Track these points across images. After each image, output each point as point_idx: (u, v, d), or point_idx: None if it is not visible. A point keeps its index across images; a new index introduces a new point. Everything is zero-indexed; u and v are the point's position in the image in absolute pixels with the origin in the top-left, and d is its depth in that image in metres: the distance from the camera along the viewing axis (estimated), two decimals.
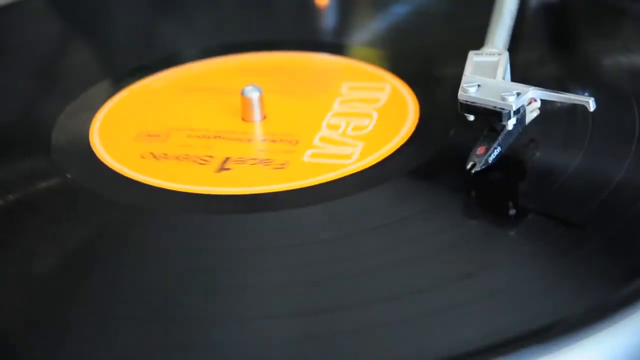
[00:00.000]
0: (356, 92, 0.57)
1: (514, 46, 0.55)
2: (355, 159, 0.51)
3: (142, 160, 0.52)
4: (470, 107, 0.49)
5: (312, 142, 0.53)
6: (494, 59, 0.51)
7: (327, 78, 0.60)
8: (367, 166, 0.51)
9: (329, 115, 0.55)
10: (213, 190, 0.50)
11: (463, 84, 0.49)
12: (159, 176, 0.51)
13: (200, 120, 0.56)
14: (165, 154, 0.53)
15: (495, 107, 0.48)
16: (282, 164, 0.51)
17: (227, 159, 0.52)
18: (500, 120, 0.48)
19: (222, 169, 0.51)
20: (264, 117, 0.55)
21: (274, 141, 0.54)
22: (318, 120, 0.55)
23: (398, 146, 0.52)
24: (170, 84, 0.60)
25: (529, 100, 0.49)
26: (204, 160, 0.52)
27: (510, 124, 0.48)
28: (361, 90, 0.58)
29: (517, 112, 0.48)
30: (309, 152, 0.52)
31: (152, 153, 0.53)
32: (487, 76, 0.50)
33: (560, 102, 0.51)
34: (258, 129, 0.55)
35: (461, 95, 0.49)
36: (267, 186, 0.50)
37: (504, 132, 0.49)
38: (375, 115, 0.55)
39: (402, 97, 0.56)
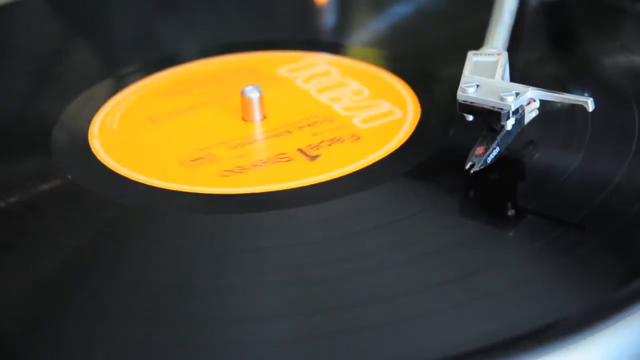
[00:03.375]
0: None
1: (514, 46, 0.55)
2: (401, 113, 0.54)
3: (222, 179, 0.51)
4: (469, 107, 0.49)
5: (343, 115, 0.54)
6: (493, 59, 0.51)
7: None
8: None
9: (318, 95, 0.57)
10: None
11: (462, 84, 0.49)
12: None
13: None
14: (241, 167, 0.52)
15: (494, 107, 0.48)
16: (352, 136, 0.53)
17: (301, 149, 0.52)
18: (499, 121, 0.48)
19: (311, 157, 0.52)
20: (264, 117, 0.55)
21: (311, 124, 0.54)
22: (318, 102, 0.56)
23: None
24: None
25: (527, 100, 0.49)
26: (283, 158, 0.52)
27: (509, 124, 0.48)
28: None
29: (515, 112, 0.48)
30: (355, 121, 0.54)
31: (227, 170, 0.52)
32: (486, 76, 0.50)
33: (560, 103, 0.51)
34: (259, 128, 0.55)
35: (460, 96, 0.49)
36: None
37: (503, 132, 0.49)
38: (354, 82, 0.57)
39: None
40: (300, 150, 0.52)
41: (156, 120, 0.56)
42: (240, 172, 0.51)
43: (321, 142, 0.53)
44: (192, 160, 0.53)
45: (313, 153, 0.52)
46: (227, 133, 0.54)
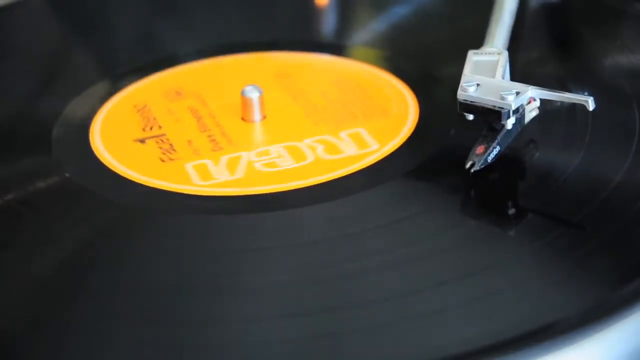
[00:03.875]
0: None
1: (514, 46, 0.55)
2: (202, 184, 0.50)
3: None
4: (470, 107, 0.49)
5: (227, 155, 0.53)
6: (494, 58, 0.51)
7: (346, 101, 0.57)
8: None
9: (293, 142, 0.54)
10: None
11: (462, 83, 0.49)
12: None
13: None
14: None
15: (494, 106, 0.48)
16: (171, 159, 0.52)
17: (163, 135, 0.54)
18: (500, 120, 0.48)
19: (140, 140, 0.54)
20: (264, 117, 0.55)
21: (209, 134, 0.54)
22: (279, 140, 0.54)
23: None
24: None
25: (528, 99, 0.49)
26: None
27: (510, 123, 0.48)
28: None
29: (516, 111, 0.48)
30: (198, 162, 0.52)
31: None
32: (487, 75, 0.50)
33: (560, 102, 0.51)
34: (257, 128, 0.55)
35: (460, 95, 0.49)
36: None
37: (503, 131, 0.49)
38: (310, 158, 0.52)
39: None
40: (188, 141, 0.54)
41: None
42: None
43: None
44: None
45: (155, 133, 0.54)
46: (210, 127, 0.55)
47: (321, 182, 0.50)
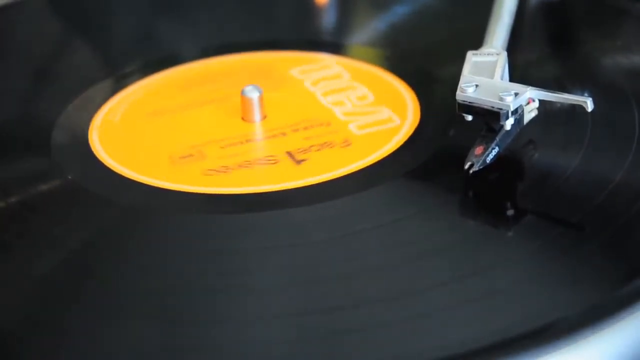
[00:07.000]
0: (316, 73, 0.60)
1: (513, 46, 0.55)
2: (399, 121, 0.54)
3: (205, 177, 0.51)
4: (468, 107, 0.49)
5: (342, 120, 0.54)
6: (492, 59, 0.51)
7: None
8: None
9: (323, 98, 0.57)
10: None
11: (461, 84, 0.49)
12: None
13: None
14: (226, 167, 0.52)
15: (493, 107, 0.48)
16: (344, 142, 0.53)
17: (290, 152, 0.52)
18: (498, 121, 0.48)
19: (298, 161, 0.52)
20: (264, 117, 0.55)
21: (307, 128, 0.54)
22: (320, 105, 0.56)
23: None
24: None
25: (527, 100, 0.49)
26: (270, 160, 0.52)
27: (508, 124, 0.48)
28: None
29: (514, 112, 0.48)
30: (351, 126, 0.54)
31: (211, 169, 0.52)
32: (486, 76, 0.50)
33: (560, 103, 0.51)
34: (256, 128, 0.55)
35: (459, 95, 0.49)
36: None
37: (502, 132, 0.49)
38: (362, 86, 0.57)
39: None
40: (288, 153, 0.52)
41: (155, 120, 0.56)
42: (224, 172, 0.51)
43: (311, 146, 0.53)
44: (181, 157, 0.53)
45: (300, 157, 0.52)
46: (223, 132, 0.54)
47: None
